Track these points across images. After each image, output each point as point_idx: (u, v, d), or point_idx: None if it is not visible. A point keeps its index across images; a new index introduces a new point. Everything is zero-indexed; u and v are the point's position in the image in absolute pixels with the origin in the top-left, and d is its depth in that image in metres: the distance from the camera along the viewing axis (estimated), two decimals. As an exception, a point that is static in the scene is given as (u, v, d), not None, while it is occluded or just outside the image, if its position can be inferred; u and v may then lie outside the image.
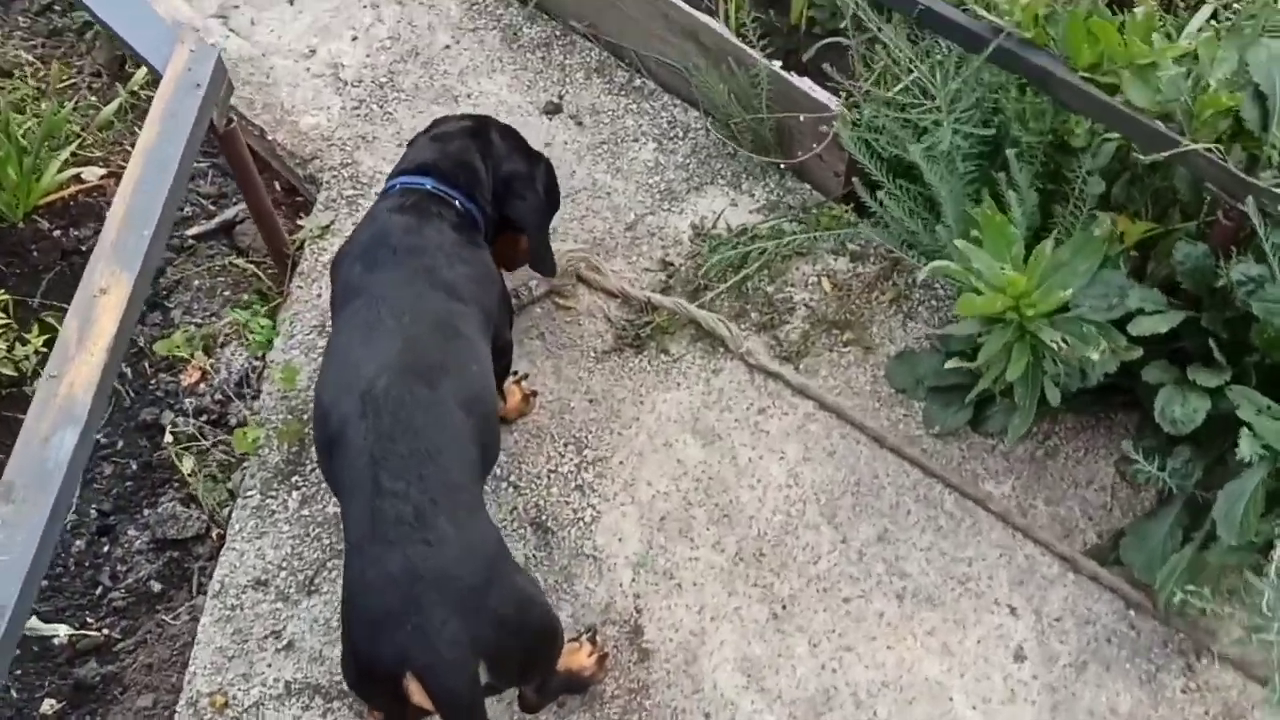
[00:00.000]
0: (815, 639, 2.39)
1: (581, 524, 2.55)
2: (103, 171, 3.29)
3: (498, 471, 2.62)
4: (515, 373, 2.74)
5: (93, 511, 2.81)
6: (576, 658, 2.31)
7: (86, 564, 2.73)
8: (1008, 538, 2.50)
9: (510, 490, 2.60)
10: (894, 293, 2.84)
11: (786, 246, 2.89)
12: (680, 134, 3.16)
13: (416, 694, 1.86)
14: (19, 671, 2.56)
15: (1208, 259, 2.32)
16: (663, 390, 2.73)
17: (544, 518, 2.56)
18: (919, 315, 2.81)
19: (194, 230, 3.21)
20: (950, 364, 2.37)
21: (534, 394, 2.72)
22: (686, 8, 3.02)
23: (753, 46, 2.94)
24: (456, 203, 2.41)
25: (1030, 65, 2.42)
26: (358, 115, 3.26)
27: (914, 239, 2.64)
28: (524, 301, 2.86)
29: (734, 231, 2.96)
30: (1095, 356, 2.16)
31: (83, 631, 2.61)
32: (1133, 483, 2.50)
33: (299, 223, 3.12)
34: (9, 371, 2.88)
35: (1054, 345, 2.20)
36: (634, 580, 2.47)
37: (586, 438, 2.67)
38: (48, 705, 2.52)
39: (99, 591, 2.68)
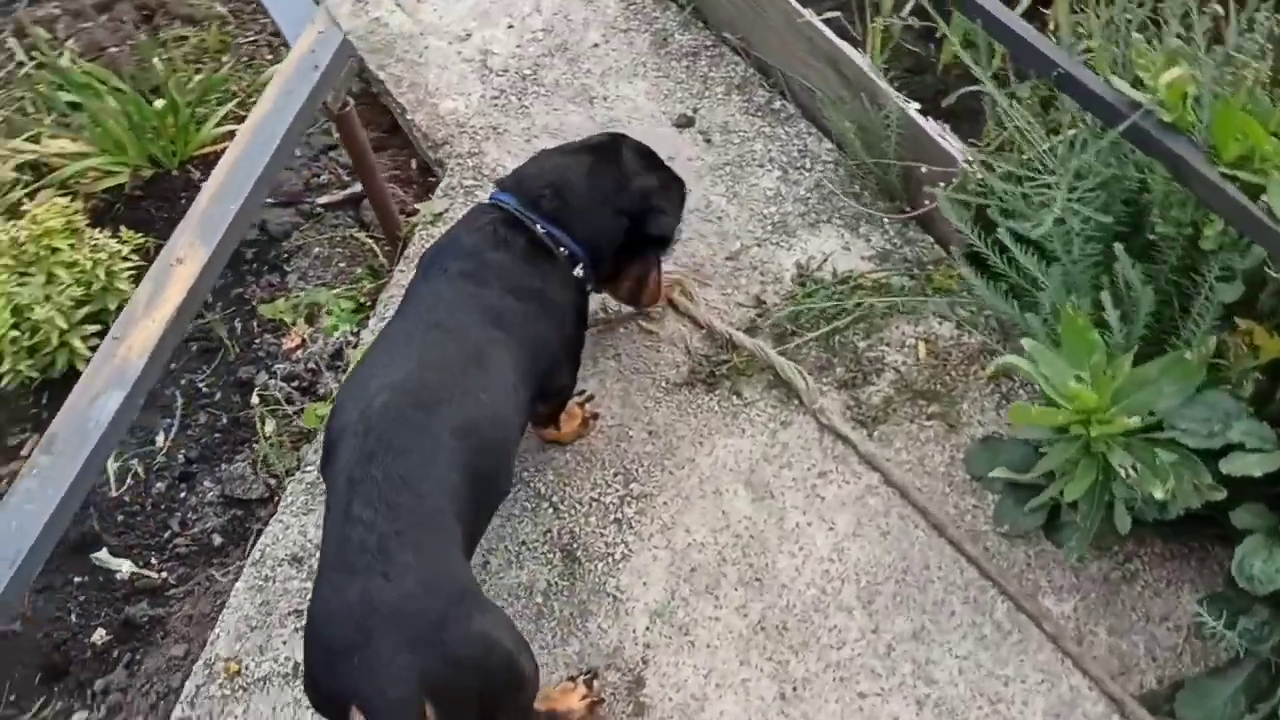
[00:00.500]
0: (819, 730, 2.25)
1: (610, 560, 2.48)
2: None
3: (541, 489, 2.59)
4: (582, 392, 2.69)
5: (180, 457, 2.95)
6: (567, 699, 2.25)
7: (163, 507, 2.88)
8: (1055, 663, 2.27)
9: (549, 511, 2.56)
10: (996, 370, 2.61)
11: (889, 302, 2.70)
12: (808, 165, 3.00)
13: None
14: (83, 598, 2.74)
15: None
16: (725, 435, 2.61)
17: (575, 546, 2.51)
18: (1017, 397, 2.58)
19: (324, 199, 3.31)
20: (997, 472, 2.15)
21: (595, 416, 2.66)
22: (828, 33, 2.86)
23: (891, 82, 2.75)
24: (538, 227, 2.35)
25: (1165, 150, 2.13)
26: (495, 105, 3.26)
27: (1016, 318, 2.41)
28: (609, 317, 2.80)
29: (838, 278, 2.79)
30: (1159, 495, 1.91)
31: (144, 571, 2.76)
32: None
33: (419, 205, 3.16)
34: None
35: (1122, 470, 1.96)
36: (648, 629, 2.39)
37: (637, 471, 2.59)
38: (99, 634, 2.68)
39: (167, 535, 2.82)
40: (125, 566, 2.77)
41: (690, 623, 2.39)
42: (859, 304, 2.69)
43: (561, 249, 2.35)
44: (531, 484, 2.60)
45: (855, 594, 2.39)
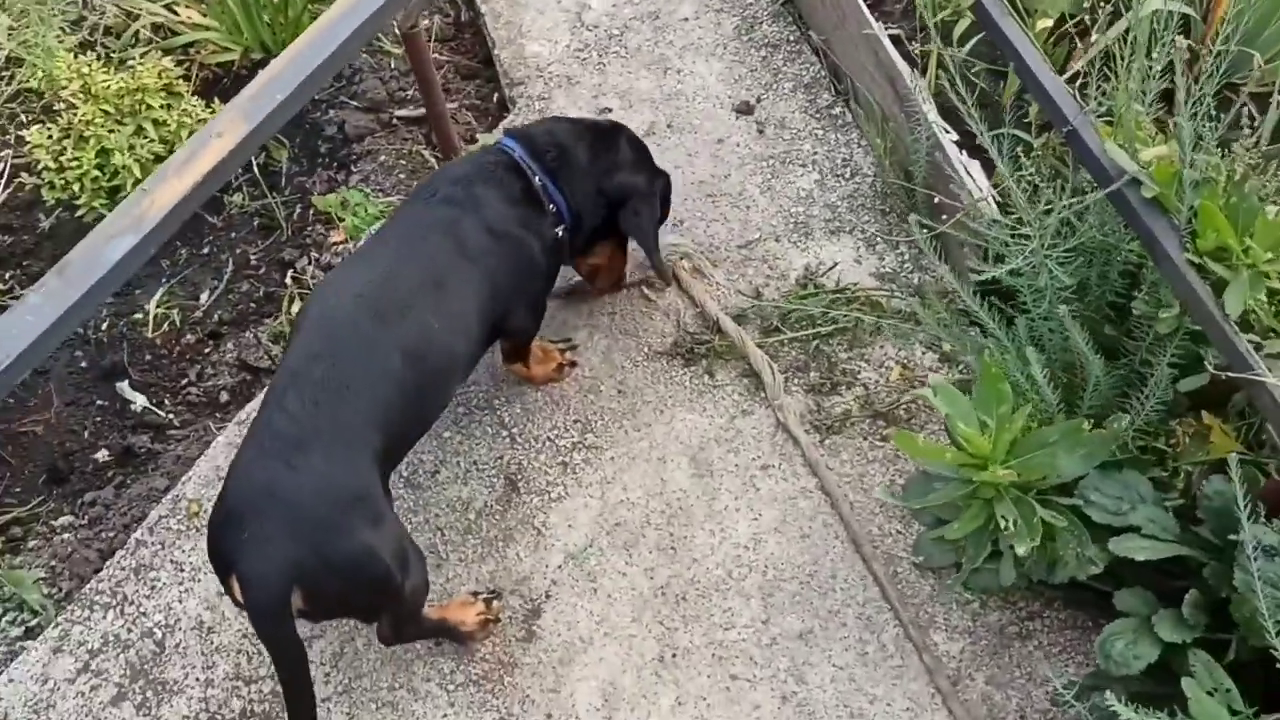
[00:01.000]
0: (684, 699, 2.35)
1: (547, 497, 2.62)
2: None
3: (506, 419, 2.74)
4: (568, 340, 2.83)
5: (216, 317, 3.21)
6: (465, 611, 2.40)
7: (188, 357, 3.14)
8: (925, 696, 2.31)
9: (506, 440, 2.71)
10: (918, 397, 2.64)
11: (880, 322, 2.74)
12: (847, 175, 3.05)
13: (237, 594, 2.02)
14: (99, 419, 3.02)
15: (1235, 506, 1.98)
16: (687, 409, 2.71)
17: (519, 477, 2.65)
18: (974, 441, 2.59)
19: (402, 112, 3.50)
20: (890, 496, 2.19)
21: (574, 365, 2.80)
22: (890, 47, 2.89)
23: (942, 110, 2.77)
24: (535, 180, 2.49)
25: (1141, 224, 2.14)
26: (576, 57, 3.39)
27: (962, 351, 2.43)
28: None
29: (839, 287, 2.84)
30: (1021, 551, 1.94)
31: (155, 409, 3.02)
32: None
33: (480, 136, 3.33)
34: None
35: (1000, 520, 1.99)
36: (560, 568, 2.52)
37: (596, 423, 2.72)
38: (102, 454, 2.96)
39: (183, 383, 3.08)
40: (140, 400, 3.04)
41: (599, 571, 2.51)
42: (850, 316, 2.74)
43: (552, 206, 2.49)
44: (498, 412, 2.76)
45: (758, 584, 2.47)
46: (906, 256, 2.89)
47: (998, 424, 2.01)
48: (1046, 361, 2.41)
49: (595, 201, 2.56)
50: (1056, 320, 2.36)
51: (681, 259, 2.88)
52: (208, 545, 2.09)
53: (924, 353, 2.74)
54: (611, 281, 2.80)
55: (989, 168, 2.72)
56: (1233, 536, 1.96)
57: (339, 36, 2.69)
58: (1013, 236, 2.31)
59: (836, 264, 2.89)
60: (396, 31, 2.96)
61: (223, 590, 2.10)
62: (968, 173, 2.68)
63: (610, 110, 3.26)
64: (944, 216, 2.56)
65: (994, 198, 2.58)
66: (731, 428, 2.68)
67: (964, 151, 2.74)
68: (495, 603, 2.45)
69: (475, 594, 2.45)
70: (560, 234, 2.51)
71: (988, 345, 2.28)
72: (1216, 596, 2.00)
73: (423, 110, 3.49)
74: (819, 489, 2.57)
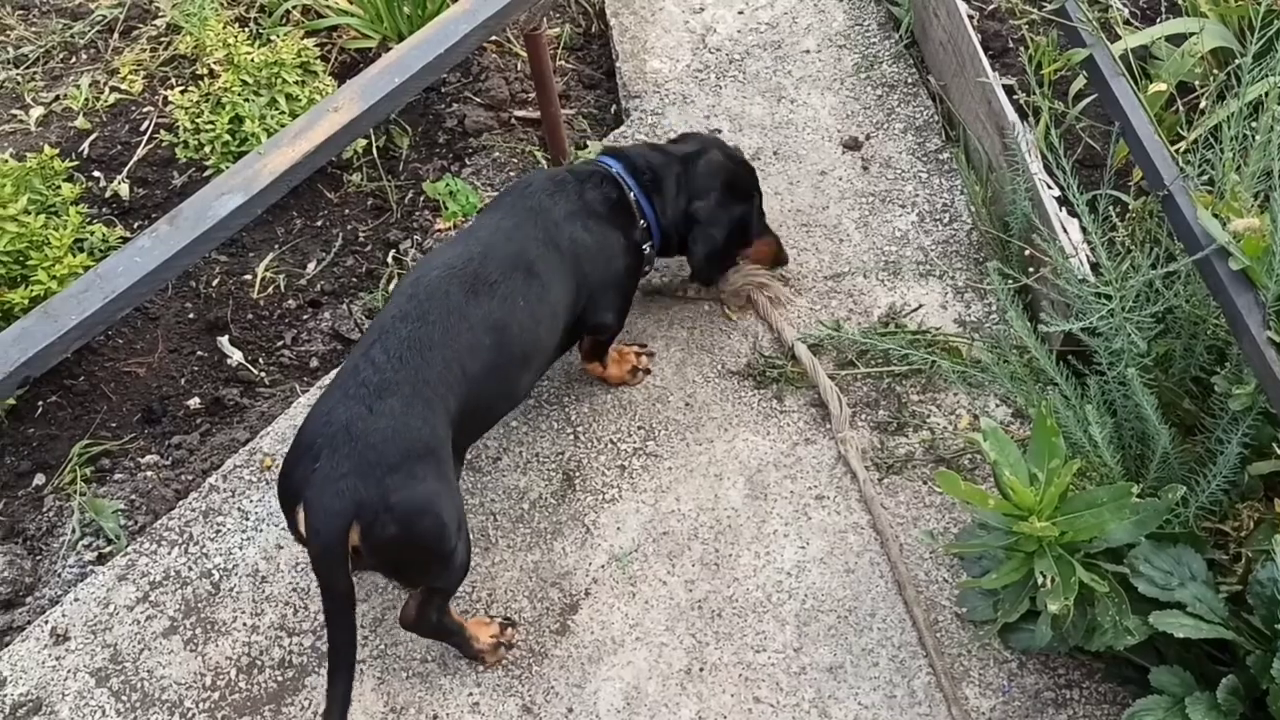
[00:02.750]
0: (705, 714, 2.35)
1: (601, 497, 2.66)
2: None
3: (573, 416, 2.79)
4: (645, 346, 2.87)
5: (319, 287, 3.34)
6: (481, 630, 2.41)
7: (287, 320, 3.28)
8: (947, 749, 2.27)
9: (570, 437, 2.76)
10: (968, 439, 2.59)
11: (958, 370, 2.71)
12: (945, 220, 3.03)
13: (301, 526, 2.10)
14: (196, 369, 3.17)
15: (1285, 595, 1.92)
16: (751, 431, 2.73)
17: (577, 475, 2.70)
18: (1036, 500, 2.55)
19: (521, 112, 3.60)
20: (930, 539, 2.16)
21: (648, 371, 2.84)
22: (1002, 97, 2.87)
23: (1052, 166, 2.74)
24: (631, 195, 2.59)
25: (1225, 296, 2.08)
26: (694, 77, 3.45)
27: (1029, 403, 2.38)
28: (698, 295, 2.96)
29: (919, 329, 2.82)
30: (1053, 609, 1.90)
31: (249, 365, 3.16)
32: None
33: (590, 143, 3.40)
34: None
35: (1039, 575, 1.96)
36: (603, 567, 2.56)
37: (659, 432, 2.75)
38: (194, 401, 3.11)
39: (279, 345, 3.22)
40: (237, 356, 3.18)
41: (640, 577, 2.54)
42: (926, 359, 2.72)
43: (643, 221, 2.61)
44: (566, 409, 2.81)
45: (796, 611, 2.46)
46: (993, 307, 2.86)
47: (1046, 477, 1.98)
48: (1117, 427, 2.36)
49: (678, 225, 2.69)
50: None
51: (758, 287, 2.90)
52: (279, 479, 2.18)
53: (998, 405, 2.70)
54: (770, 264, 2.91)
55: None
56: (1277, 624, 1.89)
57: (459, 31, 2.81)
58: (1095, 296, 2.27)
59: (921, 306, 2.87)
60: (519, 32, 3.06)
61: (287, 527, 2.17)
62: (1064, 229, 2.64)
63: (720, 132, 3.30)
64: (1031, 270, 2.53)
65: (1086, 256, 2.53)
66: (792, 454, 2.68)
67: (1064, 209, 2.71)
68: (509, 630, 2.45)
69: (491, 617, 2.47)
70: (647, 249, 2.64)
71: (1050, 399, 2.24)
72: (1257, 687, 1.92)
73: (539, 112, 3.59)
74: (870, 526, 2.55)
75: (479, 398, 2.33)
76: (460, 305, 2.28)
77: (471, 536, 2.60)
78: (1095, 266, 2.54)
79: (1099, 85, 2.50)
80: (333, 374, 2.93)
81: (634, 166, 2.64)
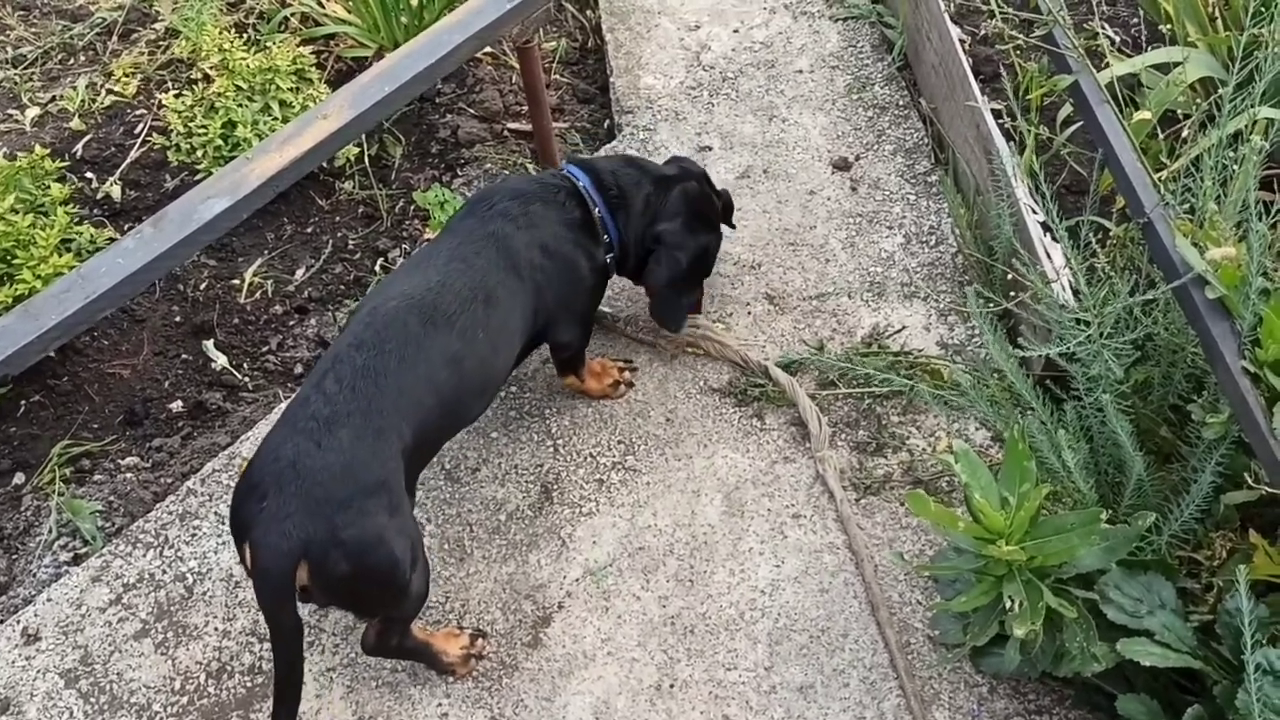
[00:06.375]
0: (674, 730, 2.35)
1: (577, 510, 2.66)
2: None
3: (553, 429, 2.79)
4: (629, 362, 2.87)
5: (307, 293, 3.35)
6: (450, 642, 2.40)
7: (273, 326, 3.28)
8: (915, 772, 2.26)
9: (550, 449, 2.76)
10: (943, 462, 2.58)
11: (939, 393, 2.71)
12: (932, 243, 3.04)
13: (249, 561, 2.06)
14: (180, 372, 3.17)
15: (1248, 626, 1.91)
16: (730, 448, 2.73)
17: (555, 487, 2.69)
18: (1013, 525, 2.54)
19: (514, 125, 3.62)
20: (899, 560, 2.16)
21: (629, 385, 2.84)
22: (990, 121, 2.88)
23: (1034, 190, 2.74)
24: (596, 211, 2.58)
25: (1201, 325, 2.08)
26: (687, 94, 3.46)
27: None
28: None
29: (903, 350, 2.82)
30: (1018, 632, 1.89)
31: (233, 370, 3.16)
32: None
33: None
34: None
35: (1006, 599, 1.95)
36: (577, 580, 2.55)
37: (639, 447, 2.75)
38: (177, 404, 3.11)
39: (264, 350, 3.22)
40: (221, 360, 3.18)
41: (614, 591, 2.53)
42: (907, 382, 2.72)
43: (606, 237, 2.61)
44: (547, 421, 2.81)
45: (768, 630, 2.45)
46: (976, 330, 2.86)
47: (1017, 501, 1.97)
48: (1093, 453, 2.36)
49: (640, 243, 2.68)
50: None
51: (701, 340, 2.88)
52: (230, 511, 2.15)
53: (976, 428, 2.70)
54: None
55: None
56: (1246, 656, 1.88)
57: (451, 41, 2.81)
58: (1074, 322, 2.27)
59: (904, 328, 2.87)
60: (509, 47, 3.07)
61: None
62: (1047, 255, 2.64)
63: (710, 149, 3.31)
64: (1012, 294, 2.53)
65: (1068, 282, 2.54)
66: (771, 472, 2.68)
67: (1049, 234, 2.71)
68: (479, 641, 2.44)
69: (461, 628, 2.46)
70: (609, 261, 2.63)
71: (1023, 424, 2.24)
72: (1223, 718, 1.91)
73: (529, 126, 3.60)
74: (846, 546, 2.55)
75: (433, 426, 2.30)
76: (418, 336, 2.24)
77: (447, 546, 2.61)
78: (1076, 292, 2.55)
79: (1084, 112, 2.51)
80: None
81: (600, 182, 2.63)
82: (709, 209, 2.75)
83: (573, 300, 2.54)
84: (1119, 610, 2.04)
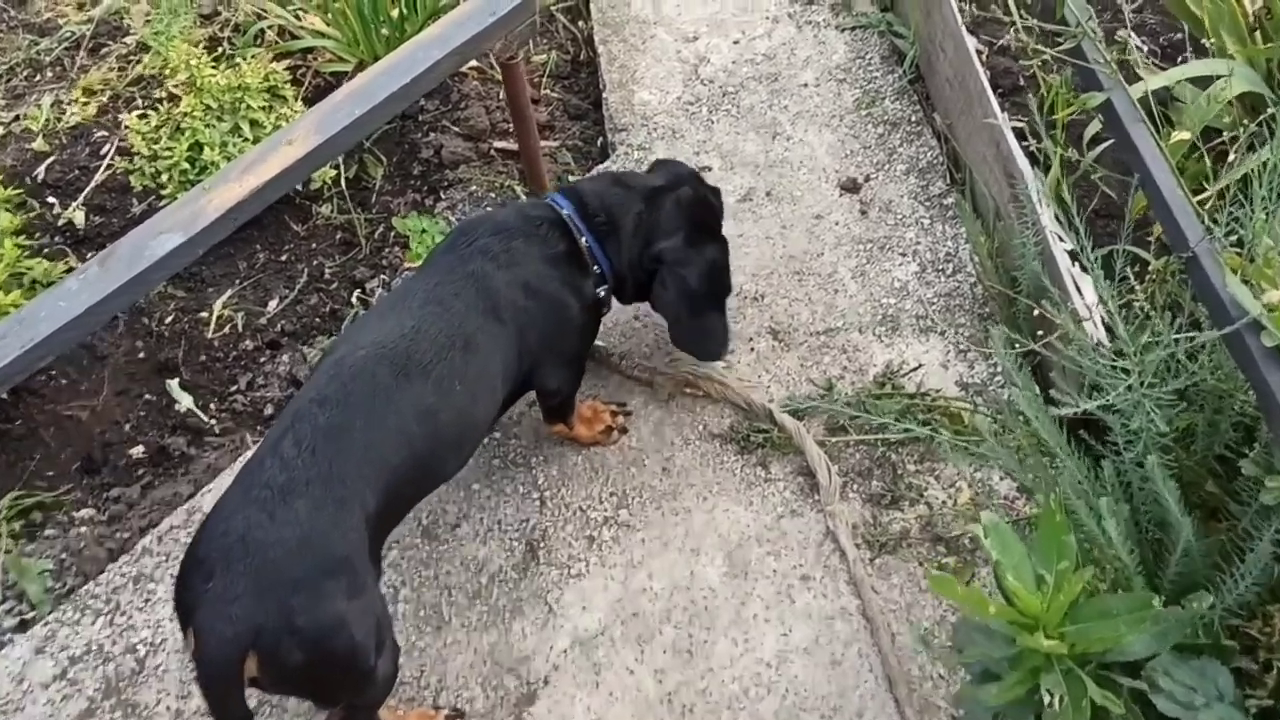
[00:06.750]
0: (670, 822, 2.12)
1: (565, 571, 2.43)
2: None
3: (540, 480, 2.57)
4: (622, 404, 2.65)
5: (280, 326, 3.13)
6: None
7: (243, 364, 3.06)
8: None
9: (536, 503, 2.54)
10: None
11: (958, 439, 2.48)
12: (948, 271, 2.81)
13: (192, 645, 1.82)
14: (143, 414, 2.96)
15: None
16: (732, 500, 2.50)
17: (541, 545, 2.47)
18: (1043, 587, 2.31)
19: (500, 144, 3.40)
20: (923, 644, 1.93)
21: (624, 431, 2.62)
22: (1012, 140, 2.65)
23: (1064, 218, 2.52)
24: (583, 240, 2.36)
25: (1256, 376, 1.85)
26: (685, 110, 3.24)
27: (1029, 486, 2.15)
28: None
29: (920, 391, 2.59)
30: (1057, 735, 1.67)
31: (199, 412, 2.95)
32: None
33: (573, 179, 3.19)
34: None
35: (1045, 694, 1.72)
36: (565, 652, 2.33)
37: (633, 500, 2.52)
38: (138, 450, 2.89)
39: (233, 389, 3.00)
40: (186, 401, 2.97)
41: (605, 664, 2.31)
42: (924, 429, 2.49)
43: (596, 268, 2.37)
44: (534, 471, 2.59)
45: (775, 708, 2.23)
46: (998, 368, 2.63)
47: (1055, 582, 1.74)
48: (1133, 514, 2.13)
49: (638, 267, 2.43)
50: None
51: (696, 378, 2.66)
52: (174, 590, 1.91)
53: (1002, 479, 2.47)
54: None
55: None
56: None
57: (430, 57, 2.61)
58: (1112, 368, 2.04)
59: (920, 366, 2.64)
60: (494, 62, 2.86)
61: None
62: (1077, 288, 2.42)
63: (710, 169, 3.09)
64: (1040, 333, 2.30)
65: (1101, 320, 2.31)
66: (776, 528, 2.45)
67: (1077, 264, 2.48)
68: None
69: (437, 708, 2.24)
70: (601, 294, 2.39)
71: (1062, 486, 2.01)
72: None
73: (517, 145, 3.39)
74: (860, 612, 2.32)
75: (404, 487, 2.06)
76: (388, 388, 2.01)
77: (423, 612, 2.39)
78: (1111, 331, 2.32)
79: (1116, 131, 2.27)
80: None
81: (586, 208, 2.39)
82: (708, 214, 2.51)
83: (560, 342, 2.31)
84: (1170, 701, 1.80)
